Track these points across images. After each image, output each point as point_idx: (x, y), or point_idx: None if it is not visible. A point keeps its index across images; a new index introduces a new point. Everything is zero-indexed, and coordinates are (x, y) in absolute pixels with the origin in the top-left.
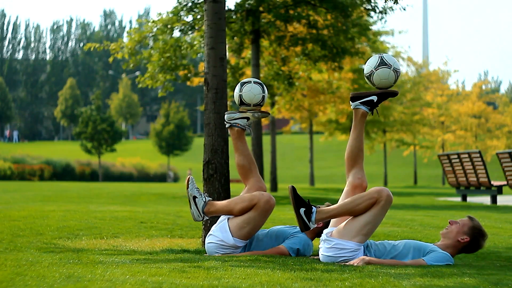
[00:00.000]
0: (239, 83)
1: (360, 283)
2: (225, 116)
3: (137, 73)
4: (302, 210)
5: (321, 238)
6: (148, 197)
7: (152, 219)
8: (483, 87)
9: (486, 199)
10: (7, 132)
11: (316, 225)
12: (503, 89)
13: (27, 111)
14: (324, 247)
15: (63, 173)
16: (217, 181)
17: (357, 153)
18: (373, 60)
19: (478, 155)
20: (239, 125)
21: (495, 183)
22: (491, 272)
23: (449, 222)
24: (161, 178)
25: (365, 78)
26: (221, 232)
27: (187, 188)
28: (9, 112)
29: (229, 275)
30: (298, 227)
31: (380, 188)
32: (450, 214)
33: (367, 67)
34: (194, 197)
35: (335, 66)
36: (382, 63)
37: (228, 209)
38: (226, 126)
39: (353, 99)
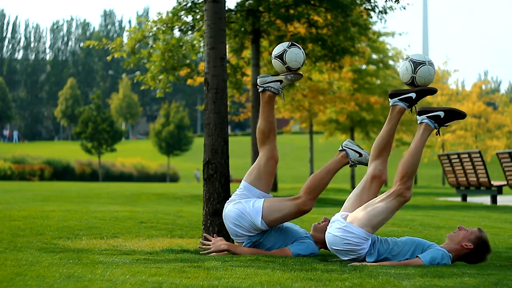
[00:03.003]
0: (284, 45)
1: (360, 283)
2: (258, 80)
3: (137, 73)
4: None
5: (332, 219)
6: (148, 197)
7: (152, 219)
8: (483, 87)
9: (486, 199)
10: (7, 132)
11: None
12: (503, 89)
13: (27, 111)
14: (334, 226)
15: (63, 173)
16: (217, 181)
17: (384, 145)
18: (407, 66)
19: (478, 155)
20: (272, 89)
21: (495, 183)
22: (491, 272)
23: (458, 228)
24: (161, 178)
25: (406, 85)
26: (253, 208)
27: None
28: (9, 112)
29: (229, 275)
30: (308, 232)
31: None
32: (450, 214)
33: (406, 76)
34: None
35: (335, 65)
36: (417, 64)
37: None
38: (259, 90)
39: (392, 95)
